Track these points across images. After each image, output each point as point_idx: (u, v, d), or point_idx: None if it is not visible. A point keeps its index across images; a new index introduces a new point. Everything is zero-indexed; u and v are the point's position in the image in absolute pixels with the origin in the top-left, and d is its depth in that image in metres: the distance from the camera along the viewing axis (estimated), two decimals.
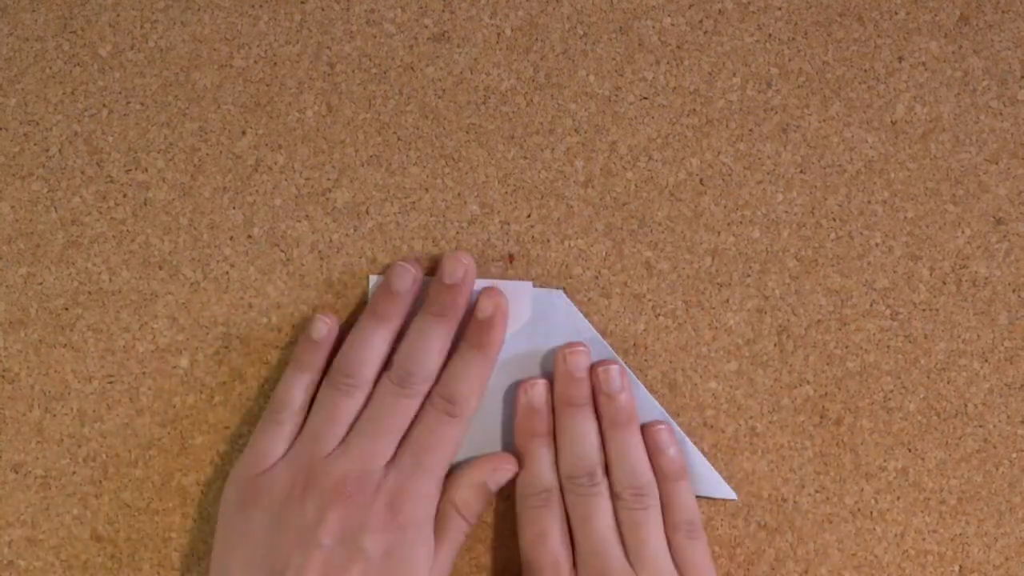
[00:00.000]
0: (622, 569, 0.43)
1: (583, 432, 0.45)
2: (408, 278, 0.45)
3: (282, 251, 0.47)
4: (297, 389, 0.45)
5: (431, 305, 0.45)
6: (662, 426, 0.46)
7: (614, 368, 0.45)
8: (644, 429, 0.46)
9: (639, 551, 0.43)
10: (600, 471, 0.45)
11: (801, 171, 0.48)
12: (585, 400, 0.45)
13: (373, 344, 0.44)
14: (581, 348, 0.46)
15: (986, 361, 0.48)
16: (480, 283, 0.46)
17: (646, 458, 0.45)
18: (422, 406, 0.44)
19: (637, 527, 0.44)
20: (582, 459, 0.44)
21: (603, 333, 0.47)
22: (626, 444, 0.45)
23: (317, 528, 0.41)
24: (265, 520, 0.42)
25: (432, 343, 0.44)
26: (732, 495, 0.47)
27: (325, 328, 0.45)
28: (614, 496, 0.44)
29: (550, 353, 0.46)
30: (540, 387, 0.45)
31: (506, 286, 0.46)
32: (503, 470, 0.45)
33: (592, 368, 0.45)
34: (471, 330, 0.45)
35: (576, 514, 0.44)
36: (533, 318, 0.46)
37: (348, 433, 0.44)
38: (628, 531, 0.44)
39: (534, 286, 0.47)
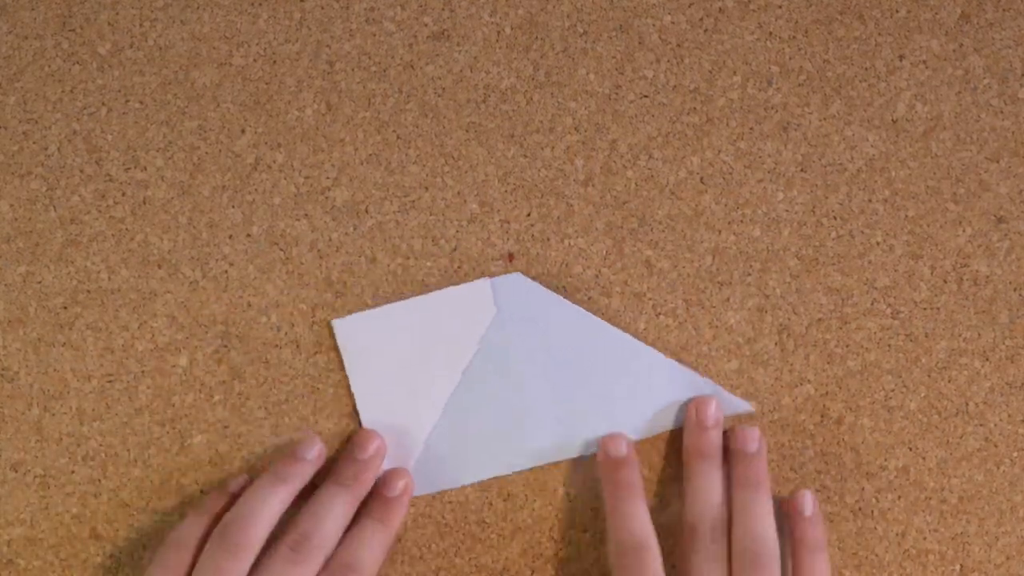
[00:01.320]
0: None
1: (712, 483, 0.44)
2: (315, 449, 0.45)
3: (281, 250, 0.47)
4: (195, 527, 0.43)
5: (338, 475, 0.44)
6: (807, 492, 0.45)
7: (753, 431, 0.46)
8: (790, 495, 0.45)
9: None
10: (723, 527, 0.44)
11: (802, 170, 0.48)
12: (716, 452, 0.45)
13: (269, 504, 0.43)
14: (712, 399, 0.46)
15: (987, 360, 0.48)
16: (442, 292, 0.46)
17: (773, 524, 0.44)
18: None
19: None
20: (710, 511, 0.44)
21: None
22: (754, 504, 0.44)
23: None
24: None
25: (334, 511, 0.43)
26: (749, 407, 0.47)
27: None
28: (731, 557, 0.43)
29: (527, 338, 0.46)
30: (621, 440, 0.46)
31: (462, 290, 0.46)
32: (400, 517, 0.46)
33: (731, 429, 0.46)
34: (377, 504, 0.45)
35: (691, 570, 0.43)
36: (500, 309, 0.46)
37: None
38: None
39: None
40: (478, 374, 0.47)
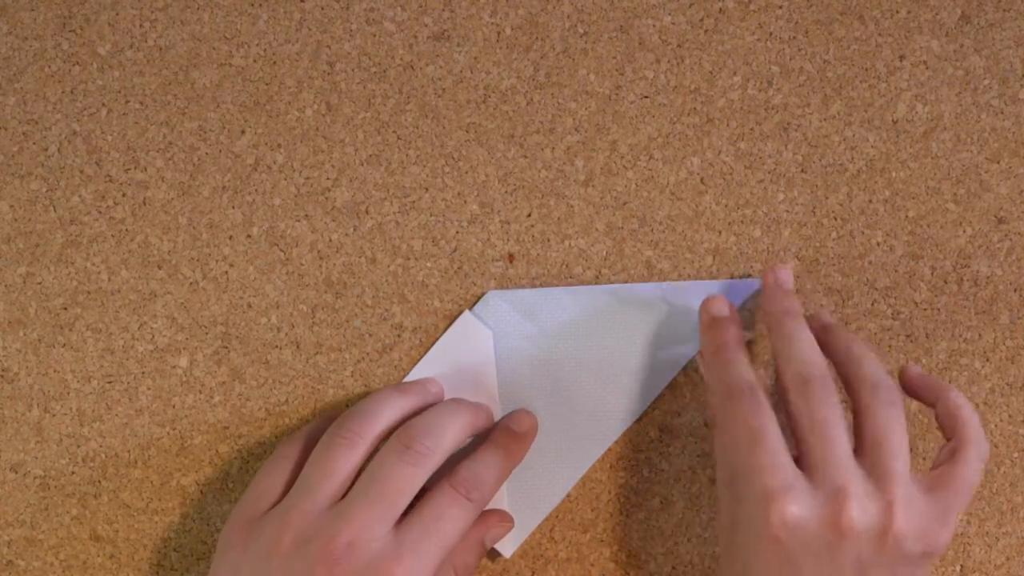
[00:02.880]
0: (860, 482, 0.39)
1: (806, 339, 0.42)
2: (438, 386, 0.45)
3: (281, 251, 0.47)
4: (297, 444, 0.43)
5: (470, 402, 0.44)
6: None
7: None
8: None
9: (878, 452, 0.39)
10: (830, 375, 0.41)
11: (802, 170, 0.48)
12: (799, 310, 0.44)
13: (390, 405, 0.43)
14: (787, 267, 0.45)
15: (987, 360, 0.48)
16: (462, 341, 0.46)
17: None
18: (436, 485, 0.42)
19: (882, 430, 0.40)
20: (814, 362, 0.41)
21: None
22: (852, 344, 0.43)
23: None
24: (252, 569, 0.40)
25: (452, 422, 0.42)
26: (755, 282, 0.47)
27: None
28: (857, 396, 0.41)
29: (534, 339, 0.46)
30: (722, 301, 0.45)
31: (453, 332, 0.46)
32: (500, 528, 0.45)
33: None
34: (502, 435, 0.44)
35: (809, 416, 0.40)
36: (494, 328, 0.46)
37: (348, 491, 0.41)
38: (872, 433, 0.40)
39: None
40: (511, 393, 0.46)
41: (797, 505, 0.38)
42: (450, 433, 0.42)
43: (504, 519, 0.45)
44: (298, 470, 0.42)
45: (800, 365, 0.41)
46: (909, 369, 0.44)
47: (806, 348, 0.42)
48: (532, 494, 0.46)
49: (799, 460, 0.40)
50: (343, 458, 0.41)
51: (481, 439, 0.45)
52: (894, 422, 0.40)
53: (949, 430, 0.41)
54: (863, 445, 0.40)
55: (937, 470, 0.40)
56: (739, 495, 0.39)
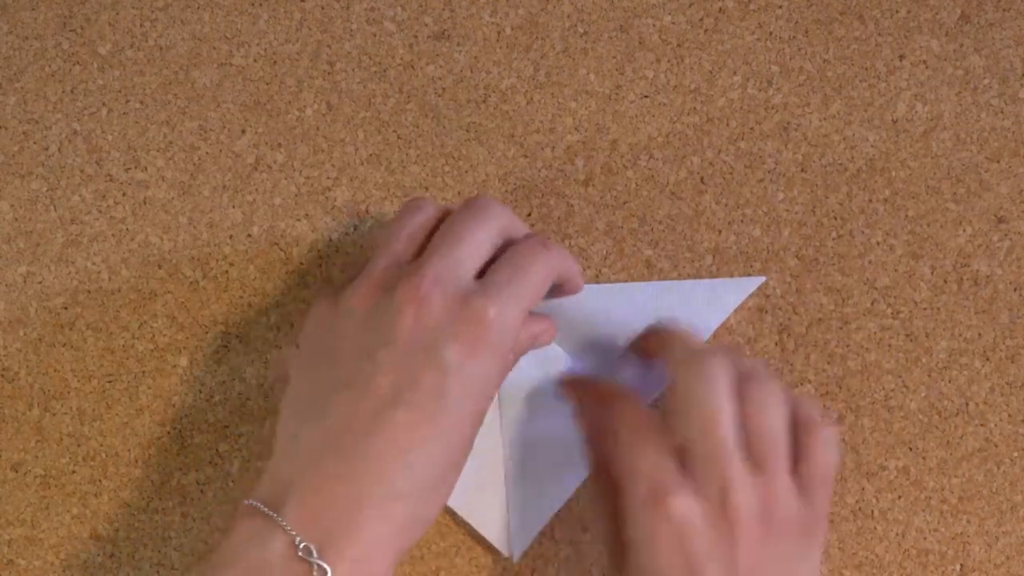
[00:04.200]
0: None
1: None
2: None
3: (281, 250, 0.47)
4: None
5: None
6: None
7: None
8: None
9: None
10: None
11: (802, 169, 0.48)
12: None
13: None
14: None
15: (987, 360, 0.48)
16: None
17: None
18: (511, 246, 0.40)
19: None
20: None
21: None
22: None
23: (393, 326, 0.37)
24: (340, 324, 0.39)
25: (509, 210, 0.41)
26: (761, 278, 0.47)
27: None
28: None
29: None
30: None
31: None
32: (549, 332, 0.44)
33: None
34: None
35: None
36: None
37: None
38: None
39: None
40: (511, 392, 0.46)
41: (682, 506, 0.37)
42: (508, 210, 0.41)
43: (551, 325, 0.44)
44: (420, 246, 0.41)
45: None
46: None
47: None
48: (536, 497, 0.46)
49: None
50: (418, 220, 0.40)
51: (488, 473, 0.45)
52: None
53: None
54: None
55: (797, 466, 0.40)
56: (628, 507, 0.39)
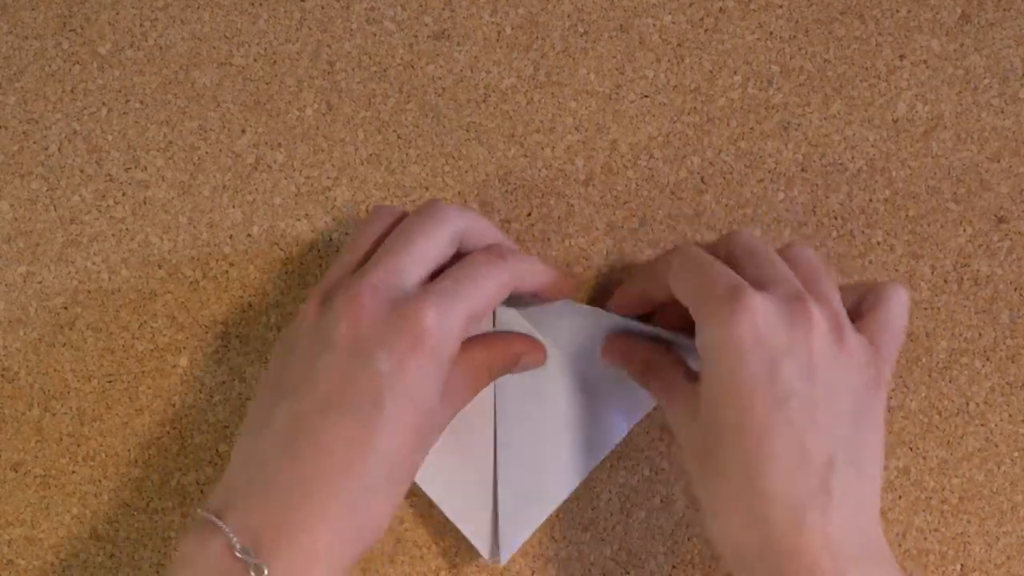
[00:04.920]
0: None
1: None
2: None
3: (282, 250, 0.47)
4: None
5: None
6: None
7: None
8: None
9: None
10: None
11: (802, 169, 0.48)
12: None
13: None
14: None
15: (988, 360, 0.48)
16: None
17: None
18: (469, 254, 0.40)
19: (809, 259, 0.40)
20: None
21: None
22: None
23: (331, 334, 0.37)
24: (293, 340, 0.39)
25: (490, 225, 0.42)
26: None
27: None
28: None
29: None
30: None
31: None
32: (537, 353, 0.44)
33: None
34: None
35: (747, 257, 0.40)
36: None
37: None
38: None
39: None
40: (508, 398, 0.46)
41: (760, 302, 0.37)
42: (468, 212, 0.41)
43: (541, 348, 0.44)
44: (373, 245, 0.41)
45: (727, 250, 0.41)
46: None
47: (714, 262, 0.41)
48: (529, 500, 0.46)
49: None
50: (368, 231, 0.41)
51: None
52: (811, 254, 0.40)
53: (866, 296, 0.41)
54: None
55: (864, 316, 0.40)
56: (703, 317, 0.38)
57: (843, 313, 0.39)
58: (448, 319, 0.38)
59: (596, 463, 0.46)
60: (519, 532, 0.45)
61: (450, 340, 0.38)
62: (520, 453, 0.45)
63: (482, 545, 0.45)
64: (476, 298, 0.39)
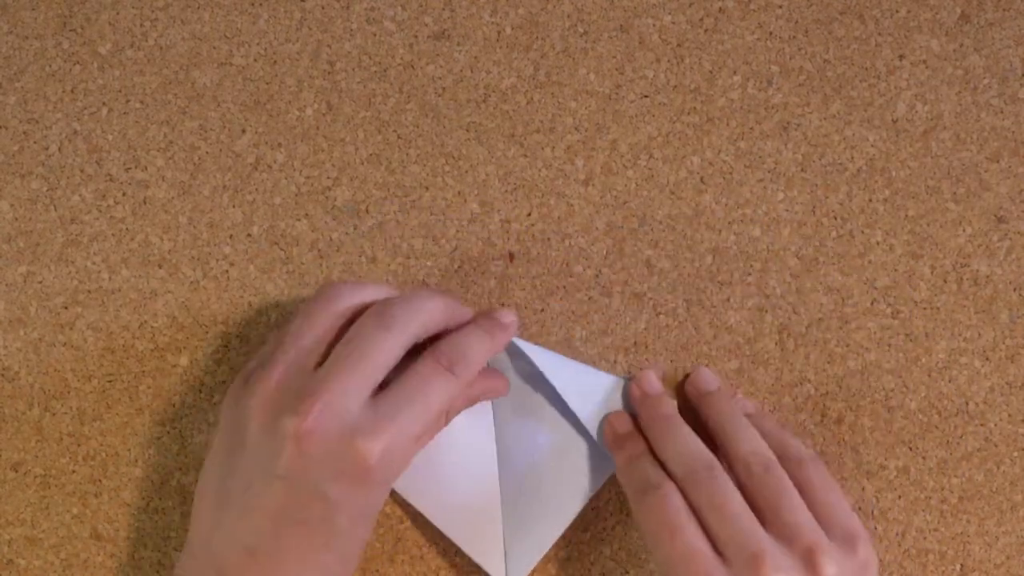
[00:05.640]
0: (772, 545, 0.39)
1: (685, 434, 0.43)
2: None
3: (282, 250, 0.47)
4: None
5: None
6: (702, 369, 0.46)
7: (705, 369, 0.46)
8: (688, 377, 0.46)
9: (778, 516, 0.40)
10: (716, 462, 0.41)
11: (802, 169, 0.48)
12: (671, 409, 0.44)
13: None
14: (648, 370, 0.46)
15: (987, 360, 0.48)
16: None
17: (762, 441, 0.42)
18: (419, 358, 0.40)
19: (774, 496, 0.40)
20: (696, 454, 0.42)
21: (604, 332, 0.47)
22: (739, 427, 0.43)
23: (279, 456, 0.38)
24: (241, 428, 0.39)
25: (428, 302, 0.41)
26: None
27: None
28: (740, 477, 0.41)
29: (524, 380, 0.46)
30: (624, 417, 0.45)
31: None
32: (497, 383, 0.44)
33: (685, 379, 0.46)
34: (486, 320, 0.43)
35: (707, 504, 0.40)
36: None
37: (327, 356, 0.39)
38: (765, 503, 0.40)
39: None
40: (507, 421, 0.46)
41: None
42: (426, 310, 0.41)
43: (502, 380, 0.44)
44: (335, 333, 0.41)
45: (685, 458, 0.41)
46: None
47: (687, 443, 0.42)
48: (535, 524, 0.45)
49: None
50: (328, 317, 0.40)
51: None
52: (779, 483, 0.40)
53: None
54: (764, 518, 0.40)
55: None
56: None
57: (816, 544, 0.39)
58: (396, 449, 0.39)
59: (599, 485, 0.46)
60: (529, 555, 0.45)
61: (397, 466, 0.40)
62: (523, 477, 0.45)
63: (496, 572, 0.45)
64: (425, 418, 0.39)
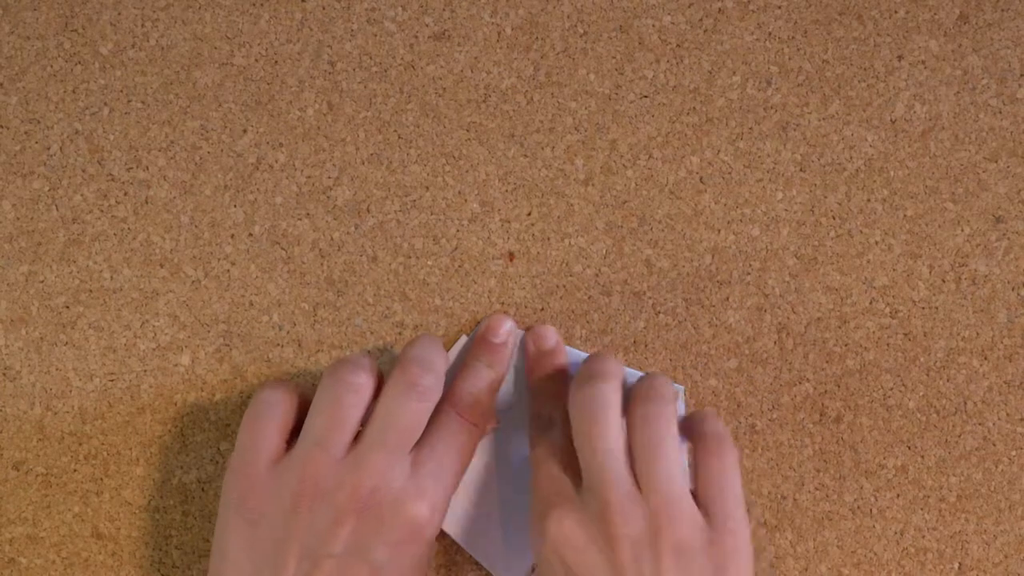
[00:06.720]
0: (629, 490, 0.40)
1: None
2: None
3: (283, 249, 0.47)
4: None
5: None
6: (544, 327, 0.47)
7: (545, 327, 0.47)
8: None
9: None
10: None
11: (801, 169, 0.48)
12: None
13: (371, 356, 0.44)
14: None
15: (985, 359, 0.48)
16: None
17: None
18: (443, 413, 0.43)
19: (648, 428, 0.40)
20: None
21: (603, 332, 0.47)
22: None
23: (327, 539, 0.39)
24: (268, 527, 0.40)
25: (441, 352, 0.43)
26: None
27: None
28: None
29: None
30: (550, 330, 0.46)
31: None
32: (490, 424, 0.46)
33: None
34: (483, 349, 0.45)
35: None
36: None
37: (357, 438, 0.41)
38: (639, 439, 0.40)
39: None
40: (505, 417, 0.46)
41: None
42: (440, 360, 0.43)
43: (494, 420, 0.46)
44: (288, 416, 0.42)
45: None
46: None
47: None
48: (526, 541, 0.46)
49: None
50: (351, 406, 0.41)
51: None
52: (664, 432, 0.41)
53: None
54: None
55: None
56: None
57: (671, 503, 0.39)
58: (440, 503, 0.41)
59: None
60: (529, 553, 0.45)
61: (439, 519, 0.41)
62: (520, 475, 0.46)
63: (496, 570, 0.45)
64: (459, 471, 0.43)
